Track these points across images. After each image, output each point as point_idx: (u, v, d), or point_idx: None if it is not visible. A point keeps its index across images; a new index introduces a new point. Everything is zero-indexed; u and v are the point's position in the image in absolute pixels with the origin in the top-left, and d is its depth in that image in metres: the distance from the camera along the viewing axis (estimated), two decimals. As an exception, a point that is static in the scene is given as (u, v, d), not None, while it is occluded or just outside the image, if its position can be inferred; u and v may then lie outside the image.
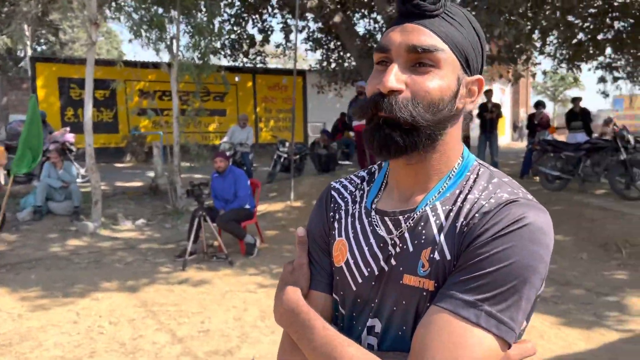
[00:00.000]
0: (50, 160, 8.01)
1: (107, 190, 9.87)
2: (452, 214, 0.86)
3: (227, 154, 8.93)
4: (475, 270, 0.78)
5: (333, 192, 1.06)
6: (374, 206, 0.97)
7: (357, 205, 1.00)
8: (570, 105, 11.19)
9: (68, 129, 10.97)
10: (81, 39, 25.23)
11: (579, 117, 10.29)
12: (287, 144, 11.17)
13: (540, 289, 0.82)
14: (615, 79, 15.33)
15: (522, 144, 20.38)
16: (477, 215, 0.83)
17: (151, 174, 10.48)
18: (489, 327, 0.75)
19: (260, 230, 6.72)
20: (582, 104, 10.66)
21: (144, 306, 4.45)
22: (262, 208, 8.37)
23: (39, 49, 23.82)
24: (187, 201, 8.54)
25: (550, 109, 37.40)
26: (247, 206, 6.20)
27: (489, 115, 10.42)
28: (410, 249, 0.87)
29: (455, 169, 0.91)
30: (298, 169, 11.05)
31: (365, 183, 1.04)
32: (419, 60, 0.84)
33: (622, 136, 7.78)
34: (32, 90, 14.69)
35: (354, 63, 12.28)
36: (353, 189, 1.04)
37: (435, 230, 0.86)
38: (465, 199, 0.86)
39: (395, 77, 0.83)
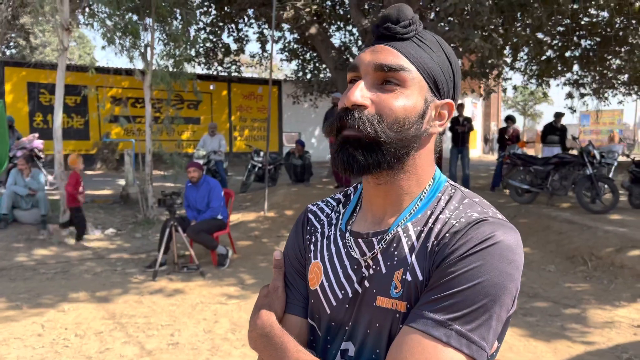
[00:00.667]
0: (17, 167, 7.80)
1: (76, 198, 9.66)
2: (423, 235, 0.87)
3: (201, 162, 8.86)
4: (446, 289, 0.79)
5: (310, 215, 1.06)
6: (348, 228, 0.97)
7: (333, 228, 1.00)
8: (541, 120, 11.49)
9: (37, 135, 10.73)
10: (52, 44, 24.80)
11: (557, 132, 10.59)
12: (261, 153, 11.14)
13: (512, 309, 0.83)
14: (582, 95, 15.82)
15: (493, 157, 20.78)
16: (447, 235, 0.83)
17: (122, 182, 10.33)
18: (459, 346, 0.76)
19: (233, 241, 6.67)
20: (550, 119, 10.95)
21: (112, 318, 4.36)
22: (235, 218, 8.31)
23: (8, 52, 23.28)
24: (158, 210, 8.44)
25: (520, 123, 38.29)
26: (220, 217, 6.15)
27: (461, 128, 10.60)
28: (383, 270, 0.88)
29: (427, 190, 0.92)
30: (272, 179, 11.03)
31: (341, 205, 1.04)
32: (386, 79, 0.86)
33: (588, 151, 7.99)
34: (0, 94, 14.34)
35: (329, 74, 12.37)
36: (329, 211, 1.05)
37: (407, 251, 0.87)
38: (436, 220, 0.87)
39: (360, 93, 0.85)
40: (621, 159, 10.26)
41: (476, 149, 25.74)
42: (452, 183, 0.95)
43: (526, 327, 4.17)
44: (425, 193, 0.92)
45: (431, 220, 0.88)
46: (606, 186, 7.86)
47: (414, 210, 0.90)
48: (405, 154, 0.88)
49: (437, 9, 7.44)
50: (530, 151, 17.53)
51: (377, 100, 0.85)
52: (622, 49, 13.14)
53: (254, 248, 6.94)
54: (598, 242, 6.08)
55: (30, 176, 7.77)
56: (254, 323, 0.94)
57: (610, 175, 8.96)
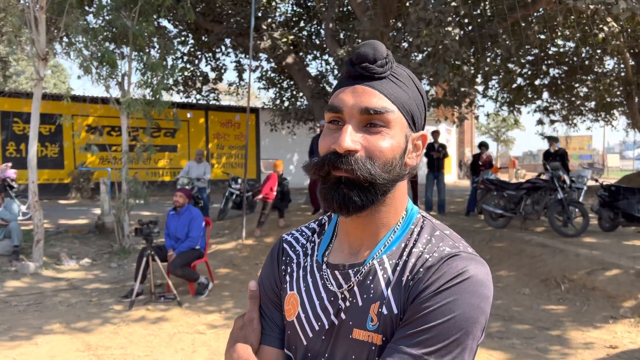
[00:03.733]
0: (-11, 197, 7.66)
1: (51, 228, 9.50)
2: (398, 268, 0.89)
3: (187, 188, 8.86)
4: (421, 324, 0.81)
5: (285, 245, 1.06)
6: (325, 259, 0.98)
7: (309, 259, 1.01)
8: (513, 146, 11.73)
9: (9, 164, 10.57)
10: (27, 72, 24.58)
11: (556, 157, 10.32)
12: (239, 180, 11.14)
13: (481, 338, 0.87)
14: (552, 122, 16.31)
15: (468, 182, 21.12)
16: (421, 269, 0.86)
17: (97, 211, 10.19)
18: None
19: (211, 270, 6.62)
20: (522, 145, 11.20)
21: (87, 349, 4.28)
22: (213, 246, 8.26)
23: (-20, 81, 22.96)
24: (134, 240, 8.34)
25: (493, 149, 39.09)
26: (198, 247, 6.11)
27: (436, 154, 10.80)
28: (360, 303, 0.89)
29: (400, 222, 0.94)
30: (250, 206, 11.00)
31: (315, 235, 1.05)
32: (371, 121, 0.87)
33: (559, 176, 8.22)
34: (-28, 123, 14.13)
35: (306, 102, 12.53)
36: (304, 241, 1.05)
37: (383, 285, 0.89)
38: (410, 253, 0.90)
39: (350, 138, 0.86)
40: (590, 183, 10.54)
41: (451, 175, 26.14)
42: (423, 214, 0.98)
43: (504, 350, 4.23)
44: (399, 225, 0.94)
45: (405, 253, 0.90)
46: (577, 210, 8.07)
47: (388, 242, 0.92)
48: (391, 188, 0.91)
49: (409, 43, 7.67)
50: (503, 176, 17.87)
51: (367, 144, 0.86)
52: (589, 78, 13.67)
53: (232, 276, 6.90)
54: (570, 264, 6.22)
55: (2, 206, 7.64)
56: (230, 356, 0.95)
57: (581, 199, 9.20)
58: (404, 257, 0.90)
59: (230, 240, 8.79)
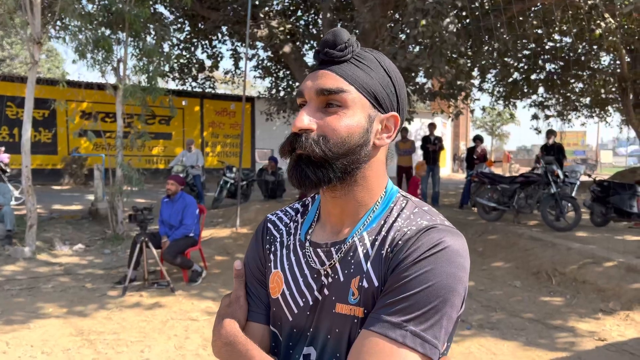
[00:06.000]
0: (-18, 181, 7.63)
1: (44, 213, 9.47)
2: (377, 243, 0.92)
3: (181, 176, 8.88)
4: (400, 293, 0.84)
5: (269, 224, 1.10)
6: (308, 237, 1.02)
7: (292, 237, 1.04)
8: (508, 140, 11.74)
9: (2, 148, 10.50)
10: (21, 56, 24.35)
11: (552, 150, 10.06)
12: (234, 169, 11.14)
13: (461, 309, 0.89)
14: (547, 117, 16.34)
15: (462, 176, 21.20)
16: (400, 242, 0.89)
17: (90, 197, 10.17)
18: (414, 346, 0.81)
19: (204, 257, 6.63)
20: (517, 139, 11.23)
21: (80, 335, 4.29)
22: (207, 234, 8.27)
23: (-27, 64, 22.76)
24: (128, 226, 8.33)
25: (488, 142, 39.20)
26: (192, 234, 6.11)
27: (432, 147, 10.83)
28: (341, 278, 0.93)
29: (379, 201, 0.98)
30: (245, 195, 11.02)
31: (299, 215, 1.09)
32: (328, 101, 0.92)
33: (552, 171, 8.27)
34: (-35, 107, 14.01)
35: (302, 92, 12.47)
36: (288, 221, 1.09)
37: (362, 259, 0.92)
38: (390, 228, 0.93)
39: (305, 118, 0.91)
40: (583, 178, 10.61)
41: (446, 168, 26.20)
42: (403, 193, 1.02)
43: (495, 340, 4.28)
44: (378, 204, 0.97)
45: (384, 229, 0.93)
46: (569, 205, 8.13)
47: (368, 221, 0.96)
48: (355, 167, 0.93)
49: (407, 35, 7.65)
50: (497, 170, 17.93)
51: (322, 123, 0.91)
52: (585, 73, 13.70)
53: (226, 264, 6.91)
54: (562, 258, 6.28)
55: (-5, 190, 7.60)
56: (217, 332, 0.98)
57: (573, 194, 9.27)
58: (383, 233, 0.93)
59: (224, 228, 8.80)
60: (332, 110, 0.91)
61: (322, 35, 11.86)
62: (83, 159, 15.60)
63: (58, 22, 8.99)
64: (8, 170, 10.38)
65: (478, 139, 11.62)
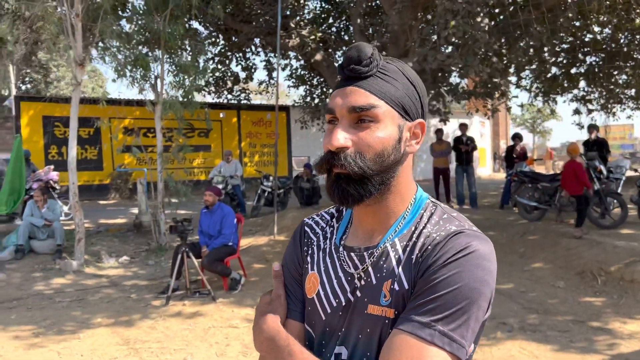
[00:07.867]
0: (33, 199, 8.01)
1: (91, 227, 9.84)
2: (408, 248, 0.97)
3: (220, 187, 9.08)
4: (429, 295, 0.88)
5: (306, 228, 1.16)
6: (342, 242, 1.07)
7: (328, 241, 1.10)
8: (550, 137, 11.44)
9: (52, 167, 10.99)
10: (66, 78, 25.42)
11: (594, 146, 9.64)
12: (271, 178, 11.29)
13: (487, 313, 0.92)
14: (590, 111, 15.80)
15: (503, 175, 20.72)
16: (429, 247, 0.93)
17: (135, 210, 10.49)
18: (442, 344, 0.85)
19: (243, 266, 6.75)
20: (560, 135, 10.92)
21: (126, 344, 4.45)
22: (246, 242, 8.42)
23: (23, 87, 23.89)
24: (170, 237, 8.56)
25: (529, 140, 38.14)
26: (230, 243, 6.24)
27: (464, 147, 10.68)
28: (374, 281, 0.97)
29: (409, 208, 1.02)
30: (282, 203, 11.15)
31: (334, 220, 1.14)
32: (360, 118, 0.95)
33: (595, 167, 8.01)
34: (16, 128, 14.73)
35: (336, 99, 12.52)
36: (324, 225, 1.14)
37: (394, 264, 0.96)
38: (420, 234, 0.97)
39: (341, 136, 0.94)
40: (630, 173, 10.22)
41: (486, 167, 25.71)
42: (433, 200, 1.05)
43: (538, 342, 4.19)
44: (408, 211, 1.02)
45: (415, 235, 0.98)
46: (615, 201, 7.86)
47: (399, 227, 1.00)
48: (391, 177, 0.98)
49: (438, 35, 7.58)
50: (539, 168, 17.47)
51: (356, 140, 0.94)
52: (628, 64, 13.20)
53: (265, 271, 7.01)
54: (607, 257, 6.08)
55: (46, 207, 7.97)
56: (259, 327, 1.03)
57: (619, 189, 8.94)
58: (414, 239, 0.97)
59: (263, 237, 8.92)
60: (365, 125, 0.94)
61: (353, 41, 11.90)
62: (127, 174, 16.12)
63: (99, 44, 9.36)
64: (57, 187, 10.83)
65: (517, 137, 11.37)
